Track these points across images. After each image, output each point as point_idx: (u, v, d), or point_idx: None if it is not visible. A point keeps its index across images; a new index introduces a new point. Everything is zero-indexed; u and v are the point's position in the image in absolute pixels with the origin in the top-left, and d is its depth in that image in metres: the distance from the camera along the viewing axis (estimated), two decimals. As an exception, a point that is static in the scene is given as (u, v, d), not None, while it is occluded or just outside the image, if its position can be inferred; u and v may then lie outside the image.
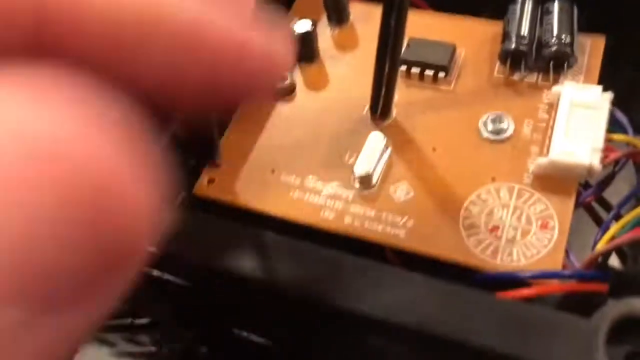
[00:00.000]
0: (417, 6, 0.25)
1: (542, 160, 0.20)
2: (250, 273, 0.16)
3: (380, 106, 0.22)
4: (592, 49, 0.23)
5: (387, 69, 0.21)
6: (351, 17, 0.25)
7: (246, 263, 0.17)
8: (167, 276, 0.19)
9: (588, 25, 0.23)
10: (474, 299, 0.15)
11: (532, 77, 0.22)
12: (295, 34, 0.23)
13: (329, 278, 0.16)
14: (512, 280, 0.18)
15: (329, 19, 0.25)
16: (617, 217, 0.20)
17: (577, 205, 0.20)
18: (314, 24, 0.23)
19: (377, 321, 0.15)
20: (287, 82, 0.23)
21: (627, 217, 0.19)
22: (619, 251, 0.21)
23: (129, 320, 0.26)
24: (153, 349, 0.22)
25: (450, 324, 0.15)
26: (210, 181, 0.22)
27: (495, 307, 0.15)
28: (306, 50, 0.24)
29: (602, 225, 0.19)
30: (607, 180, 0.21)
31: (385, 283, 0.16)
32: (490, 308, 0.15)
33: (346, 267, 0.16)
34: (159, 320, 0.23)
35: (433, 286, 0.16)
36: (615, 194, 0.21)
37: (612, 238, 0.19)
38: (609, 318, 0.14)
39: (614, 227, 0.19)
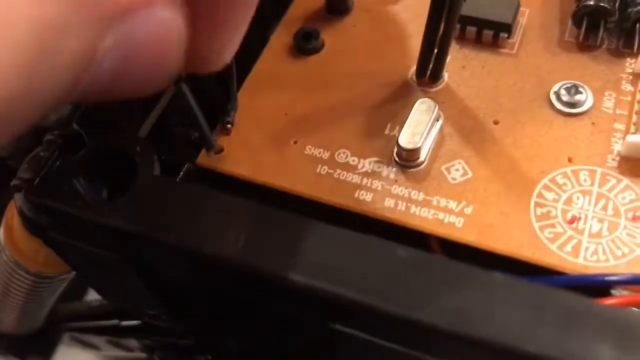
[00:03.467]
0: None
1: (633, 139, 0.16)
2: (275, 269, 0.13)
3: (429, 70, 0.18)
4: (681, 12, 0.19)
5: (442, 25, 0.17)
6: (392, -34, 0.21)
7: (268, 254, 0.13)
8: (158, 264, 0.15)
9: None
10: (575, 305, 0.12)
11: (612, 43, 0.18)
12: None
13: (374, 274, 0.13)
14: (598, 285, 0.14)
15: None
16: None
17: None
18: (349, -30, 0.19)
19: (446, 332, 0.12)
20: (316, 39, 0.19)
21: None
22: None
23: (115, 321, 0.23)
24: (143, 355, 0.18)
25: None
26: (219, 151, 0.18)
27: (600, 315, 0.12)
28: (338, 0, 0.20)
29: None
30: None
31: (451, 282, 0.12)
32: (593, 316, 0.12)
33: (399, 259, 0.13)
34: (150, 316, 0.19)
35: (517, 287, 0.12)
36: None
37: None
38: None
39: None
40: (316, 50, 0.19)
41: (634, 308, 0.15)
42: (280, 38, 0.20)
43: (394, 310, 0.12)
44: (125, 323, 0.22)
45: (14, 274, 0.19)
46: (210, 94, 0.18)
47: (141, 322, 0.22)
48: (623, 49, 0.18)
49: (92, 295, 0.26)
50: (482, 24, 0.19)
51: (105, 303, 0.25)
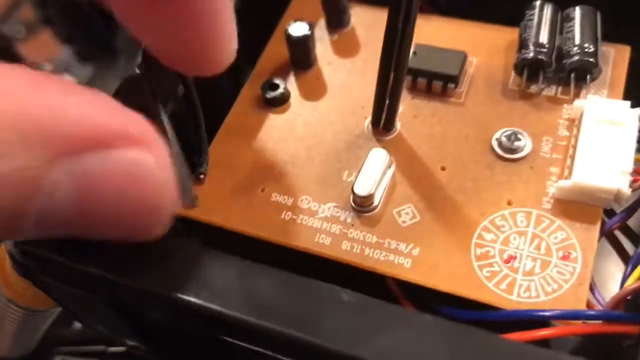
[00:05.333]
0: (424, 11, 0.23)
1: (564, 183, 0.18)
2: (231, 312, 0.14)
3: (383, 119, 0.20)
4: (616, 59, 0.21)
5: (391, 78, 0.18)
6: (352, 20, 0.23)
7: (224, 298, 0.15)
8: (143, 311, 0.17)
9: (612, 34, 0.21)
10: (485, 342, 0.13)
11: (551, 90, 0.20)
12: (291, 37, 0.21)
13: (321, 316, 0.14)
14: (529, 320, 0.16)
15: (328, 22, 0.23)
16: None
17: (602, 234, 0.18)
18: (311, 28, 0.21)
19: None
20: (281, 90, 0.21)
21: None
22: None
23: (101, 347, 0.24)
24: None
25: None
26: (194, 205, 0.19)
27: (509, 351, 0.13)
28: (302, 55, 0.21)
29: (631, 259, 0.17)
30: (634, 207, 0.18)
31: (386, 323, 0.14)
32: (503, 352, 0.13)
33: (344, 303, 0.14)
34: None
35: (443, 328, 0.14)
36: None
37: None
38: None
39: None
40: (282, 101, 0.21)
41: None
42: (249, 90, 0.22)
43: (336, 348, 0.14)
44: (111, 349, 0.24)
45: (7, 308, 0.21)
46: (188, 146, 0.20)
47: (126, 349, 0.23)
48: (560, 96, 0.20)
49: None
50: (431, 75, 0.20)
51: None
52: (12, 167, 0.09)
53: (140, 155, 0.11)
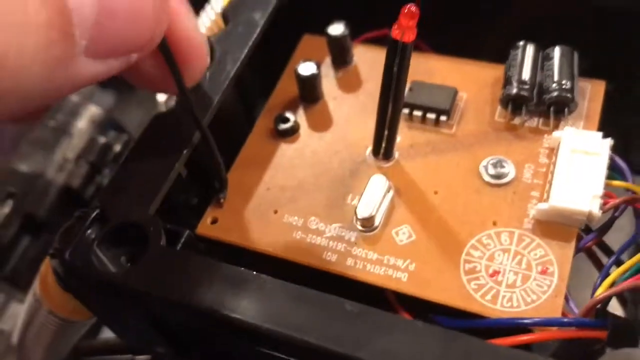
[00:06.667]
0: (420, 49, 0.25)
1: (543, 206, 0.20)
2: (250, 319, 0.17)
3: (382, 148, 0.22)
4: (592, 94, 0.23)
5: (389, 112, 0.21)
6: (354, 59, 0.25)
7: (245, 308, 0.17)
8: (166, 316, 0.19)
9: (589, 70, 0.23)
10: (470, 345, 0.16)
11: (533, 122, 0.22)
12: (300, 76, 0.23)
13: (328, 323, 0.16)
14: (511, 327, 0.18)
15: (333, 60, 0.25)
16: (618, 263, 0.20)
17: (578, 250, 0.20)
18: (318, 66, 0.24)
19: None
20: (292, 123, 0.24)
21: (628, 264, 0.19)
22: (620, 297, 0.21)
23: (129, 356, 0.27)
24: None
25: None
26: (214, 221, 0.22)
27: (491, 354, 0.15)
28: (310, 91, 0.24)
29: (601, 272, 0.19)
30: (607, 226, 0.21)
31: (384, 329, 0.16)
32: (484, 353, 0.15)
33: (347, 312, 0.17)
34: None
35: (433, 333, 0.16)
36: (616, 238, 0.21)
37: (613, 284, 0.19)
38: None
39: (614, 274, 0.19)
40: (292, 132, 0.24)
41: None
42: (263, 123, 0.24)
43: (341, 350, 0.16)
44: (138, 357, 0.26)
45: (47, 320, 0.23)
46: (210, 175, 0.23)
47: (152, 357, 0.26)
48: (541, 127, 0.22)
49: (107, 334, 0.30)
50: (426, 109, 0.23)
51: (120, 341, 0.29)
52: None
53: None
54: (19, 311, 0.28)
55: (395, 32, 0.19)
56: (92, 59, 0.15)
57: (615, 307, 0.21)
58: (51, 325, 0.23)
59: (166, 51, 0.18)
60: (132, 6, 0.15)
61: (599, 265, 0.21)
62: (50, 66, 0.14)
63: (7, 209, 0.31)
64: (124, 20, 0.15)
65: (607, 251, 0.21)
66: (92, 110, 0.36)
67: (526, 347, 0.18)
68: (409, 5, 0.18)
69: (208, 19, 0.29)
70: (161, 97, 0.32)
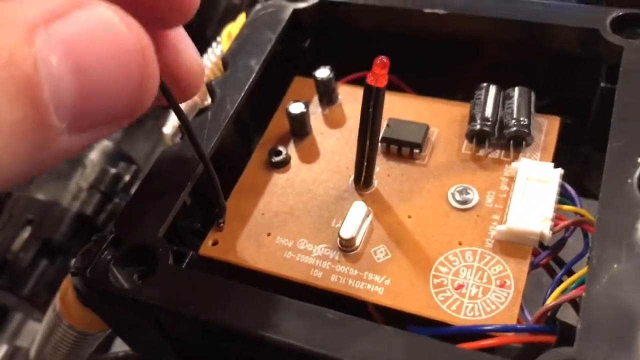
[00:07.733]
0: (401, 89, 0.29)
1: (501, 228, 0.23)
2: (248, 327, 0.19)
3: (362, 177, 0.25)
4: (548, 128, 0.26)
5: (367, 147, 0.24)
6: (339, 98, 0.29)
7: (242, 317, 0.20)
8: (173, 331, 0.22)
9: (546, 107, 0.26)
10: (437, 349, 0.18)
11: (495, 154, 0.25)
12: (291, 114, 0.27)
13: (312, 330, 0.19)
14: (474, 333, 0.21)
15: (320, 100, 0.28)
16: (569, 273, 0.23)
17: (535, 266, 0.23)
18: (307, 105, 0.27)
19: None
20: (284, 155, 0.27)
21: (574, 277, 0.22)
22: (574, 304, 0.24)
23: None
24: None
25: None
26: (214, 243, 0.25)
27: (455, 356, 0.18)
28: (300, 128, 0.27)
29: (551, 283, 0.22)
30: (560, 244, 0.24)
31: (361, 334, 0.19)
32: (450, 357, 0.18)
33: (329, 320, 0.19)
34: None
35: (403, 338, 0.19)
36: (570, 256, 0.24)
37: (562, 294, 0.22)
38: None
39: (563, 284, 0.22)
40: (284, 164, 0.27)
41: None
42: (258, 155, 0.27)
43: (323, 352, 0.19)
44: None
45: (66, 332, 0.26)
46: (210, 201, 0.26)
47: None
48: (503, 158, 0.25)
49: (117, 347, 0.33)
50: (401, 143, 0.26)
51: (129, 354, 0.31)
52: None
53: (106, 11, 0.13)
54: (36, 329, 0.31)
55: (369, 79, 0.22)
56: (77, 134, 0.14)
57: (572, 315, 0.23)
58: (69, 338, 0.26)
59: (166, 91, 0.19)
60: (116, 77, 0.14)
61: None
62: (28, 153, 0.13)
63: (26, 234, 0.34)
64: (108, 94, 0.14)
65: (562, 266, 0.24)
66: (103, 143, 0.39)
67: (490, 351, 0.21)
68: (380, 57, 0.21)
69: (209, 62, 0.32)
70: (167, 130, 0.35)
